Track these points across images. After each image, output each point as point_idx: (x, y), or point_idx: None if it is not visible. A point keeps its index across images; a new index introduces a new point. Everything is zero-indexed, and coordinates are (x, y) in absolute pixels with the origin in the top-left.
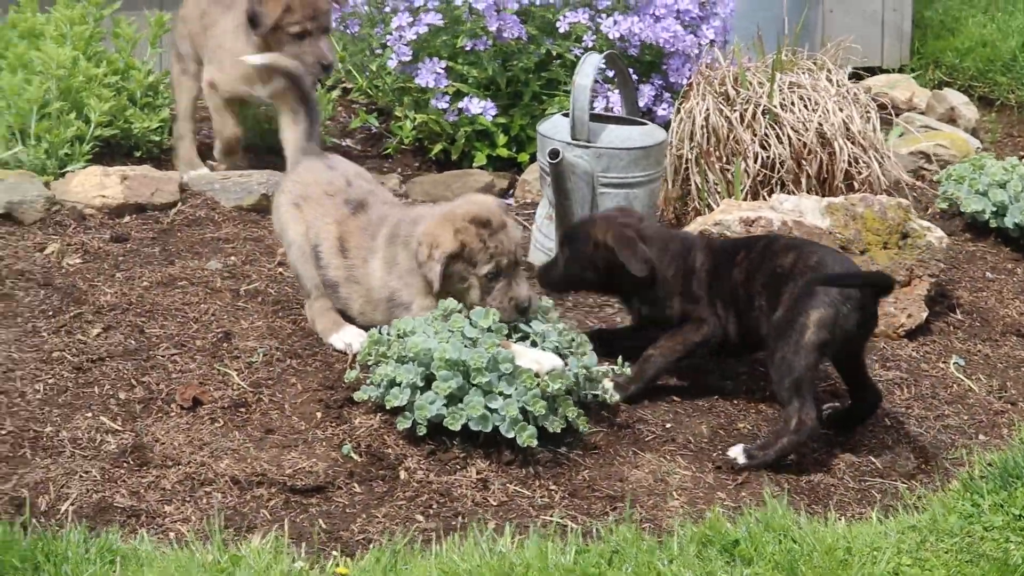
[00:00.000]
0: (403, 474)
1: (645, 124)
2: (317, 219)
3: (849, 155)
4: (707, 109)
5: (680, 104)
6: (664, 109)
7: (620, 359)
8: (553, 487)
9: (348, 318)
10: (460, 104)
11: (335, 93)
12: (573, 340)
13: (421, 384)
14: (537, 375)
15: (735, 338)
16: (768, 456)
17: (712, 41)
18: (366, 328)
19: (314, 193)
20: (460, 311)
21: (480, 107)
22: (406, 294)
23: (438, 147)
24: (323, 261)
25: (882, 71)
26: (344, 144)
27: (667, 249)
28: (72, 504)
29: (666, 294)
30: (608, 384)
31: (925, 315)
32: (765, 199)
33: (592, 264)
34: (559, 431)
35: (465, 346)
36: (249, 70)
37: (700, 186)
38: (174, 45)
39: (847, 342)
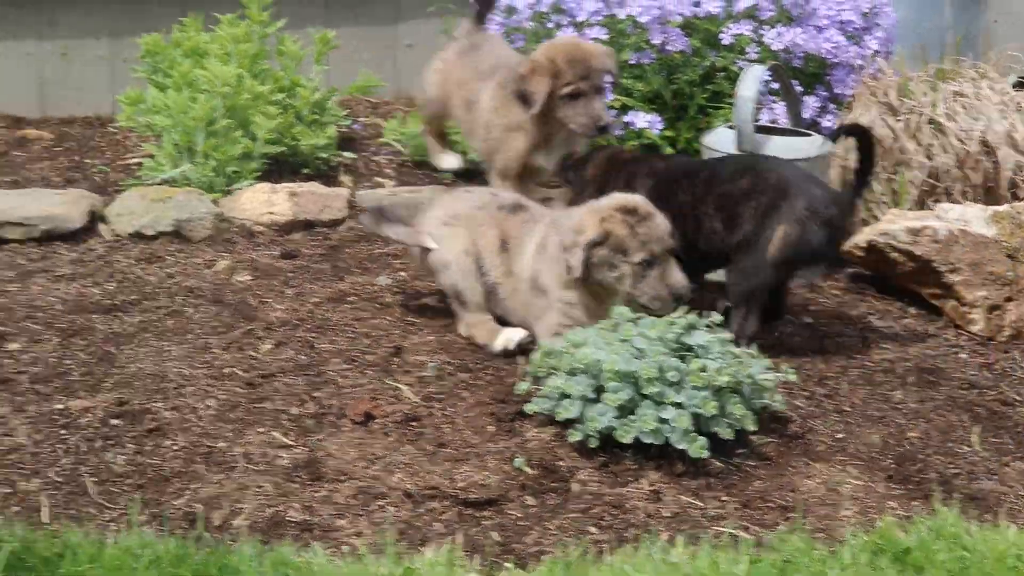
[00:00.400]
0: (575, 486)
1: (810, 135)
2: (473, 230)
3: (1014, 163)
4: (871, 119)
5: (844, 115)
6: (828, 120)
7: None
8: (725, 498)
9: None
10: (626, 118)
11: None
12: (737, 354)
13: (592, 396)
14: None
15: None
16: None
17: (876, 52)
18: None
19: (462, 210)
20: (630, 320)
21: (646, 121)
22: (547, 278)
23: None
24: (485, 267)
25: None
26: None
27: (613, 173)
28: (245, 519)
29: None
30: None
31: None
32: (930, 208)
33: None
34: (731, 437)
35: (635, 357)
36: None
37: (865, 197)
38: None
39: (813, 258)
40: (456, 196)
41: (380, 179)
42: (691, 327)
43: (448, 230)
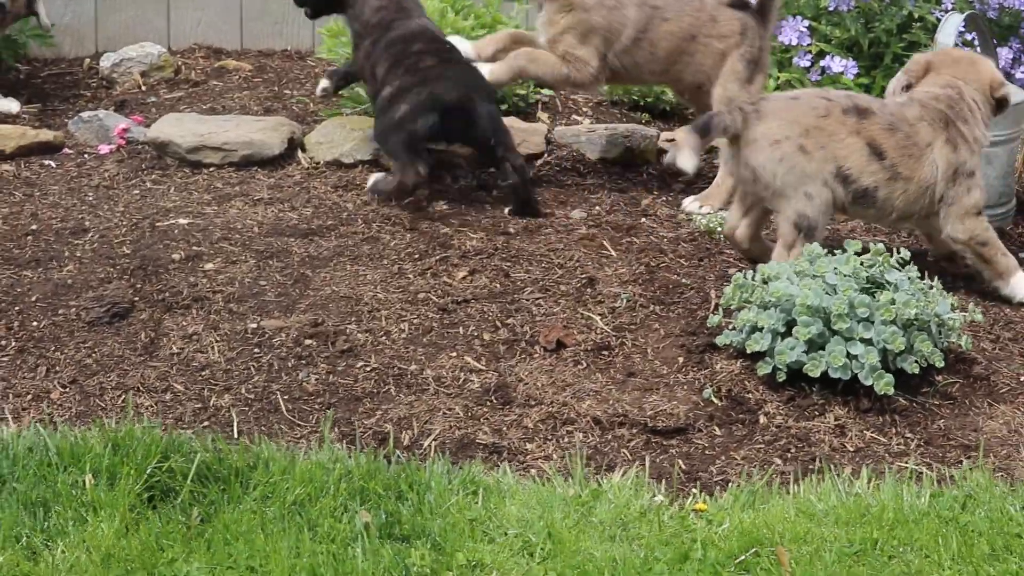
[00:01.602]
0: (762, 418)
1: None
2: (829, 143)
3: None
4: None
5: None
6: (1021, 72)
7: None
8: (909, 435)
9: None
10: (822, 63)
11: None
12: (928, 289)
13: (782, 330)
14: None
15: None
16: (389, 186)
17: None
18: None
19: (809, 122)
20: (824, 255)
21: (842, 66)
22: (971, 162)
23: None
24: (852, 176)
25: None
26: None
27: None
28: (435, 439)
29: None
30: None
31: None
32: None
33: None
34: (916, 372)
35: (827, 293)
36: None
37: None
38: None
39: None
40: (789, 110)
41: (577, 116)
42: (882, 263)
43: (803, 155)
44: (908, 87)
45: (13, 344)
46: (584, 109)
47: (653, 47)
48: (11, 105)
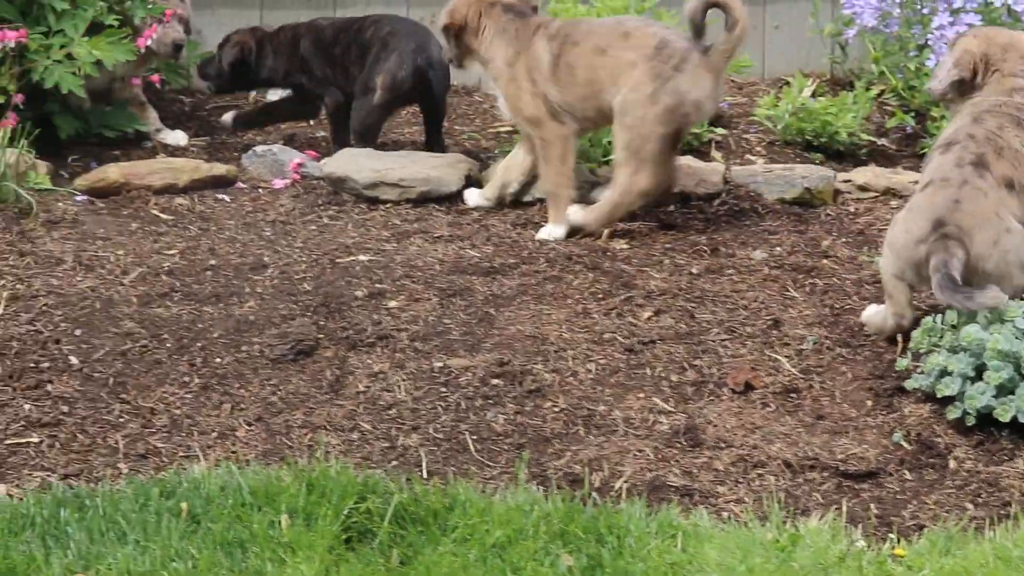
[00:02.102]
0: (952, 463)
1: None
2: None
3: None
4: None
5: None
6: None
7: None
8: None
9: None
10: None
11: (872, 92)
12: None
13: (972, 374)
14: None
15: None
16: None
17: None
18: None
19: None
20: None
21: None
22: None
23: None
24: None
25: None
26: (880, 143)
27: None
28: (626, 481)
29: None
30: None
31: None
32: None
33: None
34: None
35: (1016, 338)
36: None
37: None
38: None
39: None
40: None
41: (750, 156)
42: None
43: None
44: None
45: (196, 381)
46: (757, 149)
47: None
48: (180, 138)
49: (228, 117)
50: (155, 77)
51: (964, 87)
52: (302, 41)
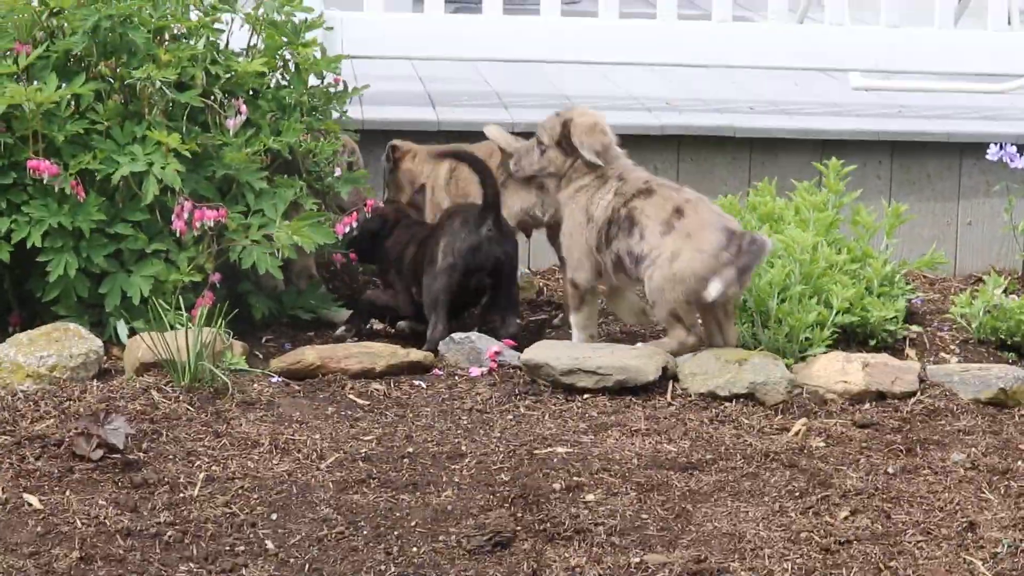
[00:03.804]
0: None
1: None
2: None
3: None
4: None
5: None
6: None
7: None
8: None
9: None
10: None
11: None
12: None
13: None
14: None
15: None
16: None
17: None
18: None
19: None
20: None
21: None
22: None
23: None
24: None
25: None
26: None
27: None
28: None
29: None
30: None
31: None
32: None
33: None
34: None
35: None
36: None
37: None
38: None
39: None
40: None
41: (944, 355)
42: None
43: None
44: None
45: (393, 570)
46: (952, 347)
47: None
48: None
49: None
50: (339, 256)
51: None
52: None
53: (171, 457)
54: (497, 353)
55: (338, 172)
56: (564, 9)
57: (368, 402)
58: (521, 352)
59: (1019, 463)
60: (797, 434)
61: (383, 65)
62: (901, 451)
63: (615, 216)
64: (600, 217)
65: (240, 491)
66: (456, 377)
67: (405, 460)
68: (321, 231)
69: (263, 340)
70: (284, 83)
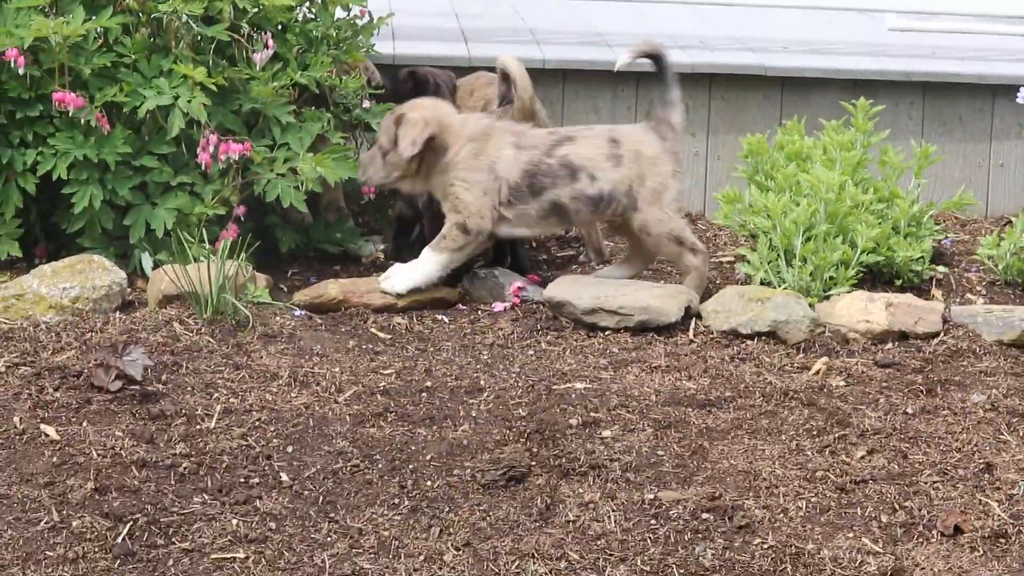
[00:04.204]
0: None
1: None
2: None
3: None
4: None
5: None
6: None
7: None
8: None
9: None
10: None
11: None
12: None
13: None
14: None
15: None
16: None
17: None
18: None
19: None
20: None
21: None
22: None
23: None
24: None
25: None
26: None
27: None
28: None
29: None
30: None
31: None
32: None
33: None
34: None
35: None
36: None
37: None
38: None
39: None
40: None
41: (970, 296)
42: None
43: None
44: None
45: (406, 503)
46: (978, 288)
47: None
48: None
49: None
50: (368, 189)
51: None
52: None
53: (189, 389)
54: (520, 288)
55: (367, 104)
56: None
57: (389, 336)
58: (545, 287)
59: None
60: (817, 373)
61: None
62: (921, 391)
63: (540, 168)
64: (512, 172)
65: (257, 423)
66: (479, 312)
67: (423, 394)
68: (346, 164)
69: (289, 273)
70: (311, 16)
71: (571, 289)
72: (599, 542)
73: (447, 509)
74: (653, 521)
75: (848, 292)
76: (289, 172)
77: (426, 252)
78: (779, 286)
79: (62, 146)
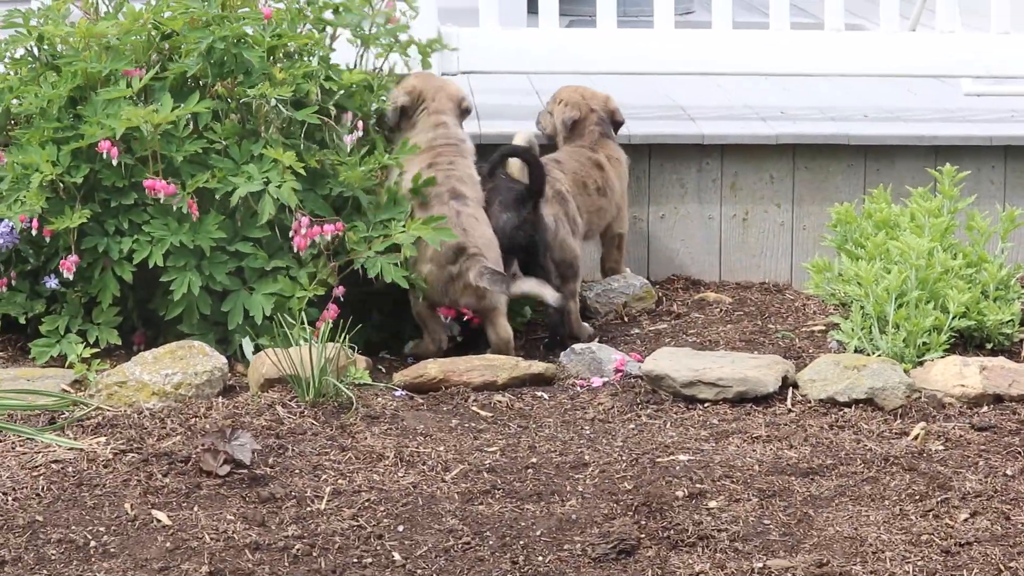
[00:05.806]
0: None
1: None
2: None
3: None
4: None
5: None
6: None
7: None
8: None
9: None
10: None
11: None
12: None
13: None
14: None
15: None
16: None
17: None
18: None
19: None
20: None
21: None
22: None
23: None
24: None
25: None
26: None
27: None
28: None
29: None
30: None
31: None
32: None
33: None
34: None
35: None
36: None
37: None
38: None
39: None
40: None
41: None
42: None
43: None
44: None
45: None
46: None
47: None
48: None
49: None
50: None
51: None
52: None
53: (297, 471)
54: (623, 363)
55: None
56: (678, 20)
57: (491, 414)
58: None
59: None
60: (916, 438)
61: (499, 79)
62: (1020, 453)
63: None
64: None
65: (366, 504)
66: (578, 388)
67: (529, 470)
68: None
69: (382, 354)
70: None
71: (669, 362)
72: None
73: None
74: None
75: (941, 357)
76: (387, 250)
77: None
78: (873, 353)
79: (157, 233)
